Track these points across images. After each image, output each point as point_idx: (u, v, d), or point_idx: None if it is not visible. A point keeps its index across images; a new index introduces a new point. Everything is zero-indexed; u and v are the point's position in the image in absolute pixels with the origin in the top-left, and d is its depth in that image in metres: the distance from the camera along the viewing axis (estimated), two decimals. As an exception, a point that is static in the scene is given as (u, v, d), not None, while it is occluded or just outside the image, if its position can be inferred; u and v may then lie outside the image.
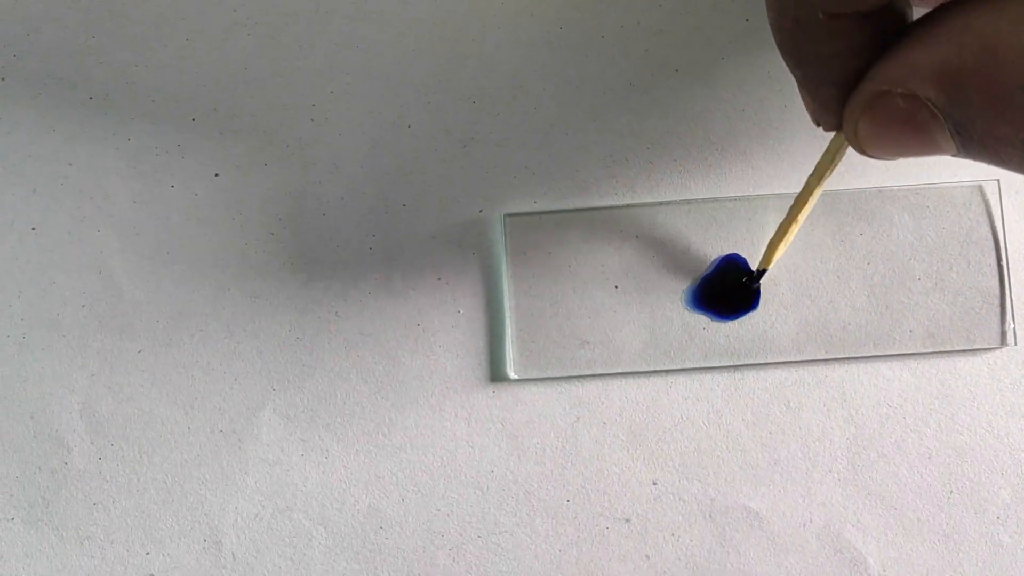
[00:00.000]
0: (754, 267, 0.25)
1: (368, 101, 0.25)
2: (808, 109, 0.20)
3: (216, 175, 0.25)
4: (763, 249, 0.24)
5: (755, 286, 0.25)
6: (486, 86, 0.25)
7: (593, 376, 0.25)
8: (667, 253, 0.25)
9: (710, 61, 0.25)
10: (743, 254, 0.25)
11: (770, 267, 0.24)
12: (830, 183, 0.23)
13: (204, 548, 0.25)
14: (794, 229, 0.23)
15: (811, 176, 0.22)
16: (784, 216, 0.23)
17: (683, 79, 0.25)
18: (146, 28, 0.25)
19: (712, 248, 0.25)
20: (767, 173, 0.25)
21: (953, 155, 0.17)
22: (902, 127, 0.17)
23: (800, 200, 0.23)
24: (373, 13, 0.25)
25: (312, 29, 0.25)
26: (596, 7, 0.25)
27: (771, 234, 0.24)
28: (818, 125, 0.20)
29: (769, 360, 0.25)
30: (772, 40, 0.25)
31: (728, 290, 0.25)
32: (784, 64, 0.19)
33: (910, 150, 0.17)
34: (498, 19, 0.25)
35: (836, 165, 0.21)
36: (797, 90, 0.20)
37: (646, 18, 0.25)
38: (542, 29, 0.25)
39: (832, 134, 0.21)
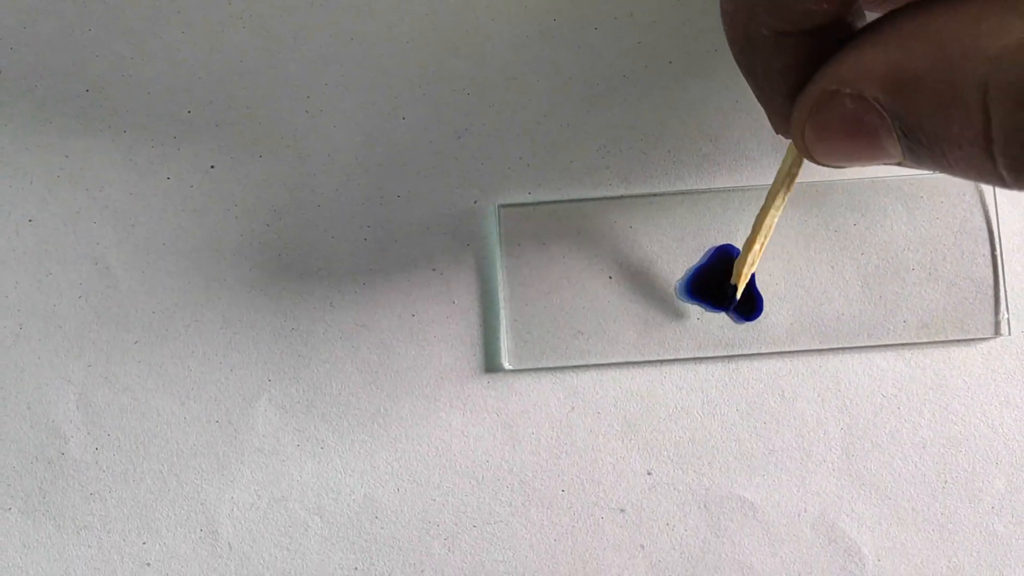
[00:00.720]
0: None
1: (362, 93, 0.25)
2: (768, 118, 0.20)
3: (212, 167, 0.25)
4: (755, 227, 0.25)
5: (733, 304, 0.25)
6: (480, 78, 0.25)
7: (587, 366, 0.25)
8: (661, 244, 0.25)
9: (703, 52, 0.25)
10: (737, 245, 0.25)
11: (741, 284, 0.24)
12: (820, 175, 0.23)
13: (200, 538, 0.25)
14: (761, 248, 0.23)
15: (769, 192, 0.22)
16: (749, 233, 0.23)
17: (676, 70, 0.25)
18: (142, 20, 0.25)
19: (706, 239, 0.25)
20: (760, 164, 0.25)
21: (899, 162, 0.17)
22: (849, 130, 0.17)
23: (762, 215, 0.23)
24: (367, 5, 0.25)
25: (307, 21, 0.25)
26: (590, -1, 0.25)
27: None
28: (778, 133, 0.20)
29: (763, 350, 0.25)
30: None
31: (722, 281, 0.25)
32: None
33: (856, 154, 0.17)
34: (492, 11, 0.25)
35: (794, 178, 0.21)
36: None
37: (639, 10, 0.25)
38: (536, 20, 0.25)
39: (788, 150, 0.21)
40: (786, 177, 0.22)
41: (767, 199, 0.22)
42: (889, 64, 0.15)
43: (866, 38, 0.16)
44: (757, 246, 0.23)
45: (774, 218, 0.23)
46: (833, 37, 0.17)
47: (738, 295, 0.24)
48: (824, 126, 0.17)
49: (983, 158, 0.14)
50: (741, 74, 0.20)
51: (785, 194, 0.22)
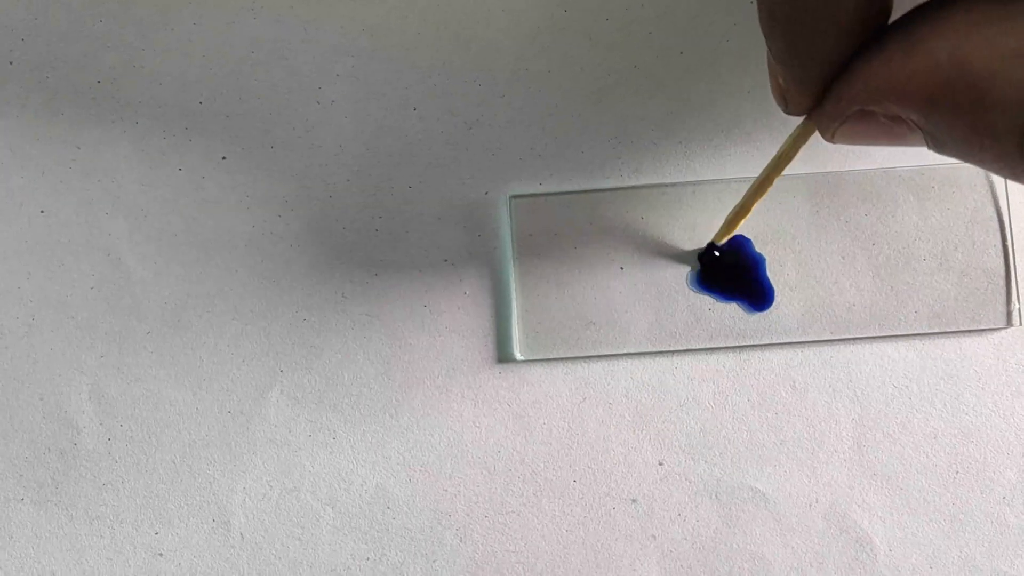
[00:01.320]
0: (757, 250, 0.25)
1: (373, 84, 0.25)
2: (777, 89, 0.19)
3: (223, 158, 0.25)
4: (768, 231, 0.24)
5: (705, 260, 0.25)
6: (491, 68, 0.25)
7: (599, 357, 0.25)
8: (672, 234, 0.25)
9: (714, 43, 0.25)
10: (748, 235, 0.25)
11: (721, 242, 0.24)
12: (831, 165, 0.23)
13: (213, 528, 0.25)
14: (752, 208, 0.23)
15: (774, 159, 0.22)
16: (742, 196, 0.23)
17: (687, 61, 0.25)
18: (153, 12, 0.25)
19: (717, 229, 0.25)
20: (771, 153, 0.25)
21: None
22: (880, 135, 0.17)
23: (764, 180, 0.22)
24: (379, -4, 0.25)
25: (317, 12, 0.25)
26: (601, -10, 0.25)
27: (774, 214, 0.24)
28: (784, 105, 0.19)
29: (775, 341, 0.25)
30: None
31: (734, 271, 0.25)
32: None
33: (881, 146, 0.18)
34: (503, 1, 0.25)
35: (800, 148, 0.21)
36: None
37: (650, 1, 0.25)
38: (547, 11, 0.25)
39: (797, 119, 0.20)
40: (794, 151, 0.21)
41: (769, 169, 0.22)
42: (927, 88, 0.16)
43: (897, 45, 0.16)
44: (750, 210, 0.23)
45: (768, 190, 0.22)
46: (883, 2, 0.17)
47: (715, 252, 0.24)
48: (855, 132, 0.17)
49: (1011, 175, 0.15)
50: (770, 46, 0.18)
51: (782, 169, 0.22)
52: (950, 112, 0.15)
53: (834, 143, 0.19)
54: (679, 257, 0.25)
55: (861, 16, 0.17)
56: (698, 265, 0.25)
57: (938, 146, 0.16)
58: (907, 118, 0.16)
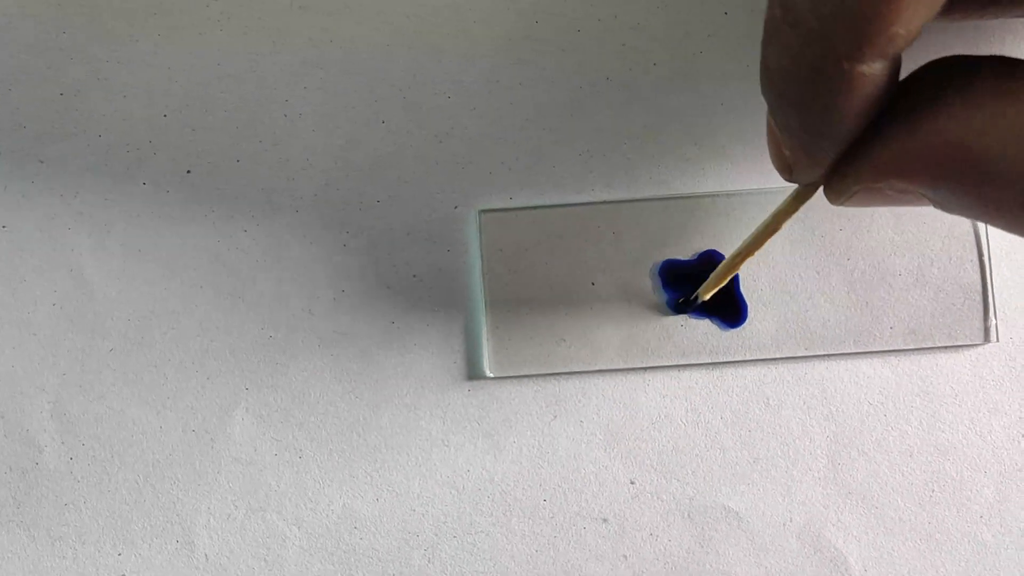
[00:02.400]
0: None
1: (342, 96, 0.25)
2: (780, 159, 0.18)
3: (188, 172, 0.25)
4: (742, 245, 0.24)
5: (688, 311, 0.25)
6: (461, 81, 0.25)
7: (570, 374, 0.25)
8: (644, 249, 0.25)
9: (688, 55, 0.25)
10: (721, 250, 0.25)
11: (707, 297, 0.24)
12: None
13: (176, 548, 0.25)
14: (735, 271, 0.23)
15: (768, 221, 0.21)
16: (735, 253, 0.22)
17: (661, 73, 0.25)
18: (119, 24, 0.25)
19: (690, 244, 0.25)
20: (745, 168, 0.25)
21: None
22: (887, 202, 0.18)
23: (756, 241, 0.21)
24: (347, 8, 0.25)
25: (285, 24, 0.25)
26: (573, 1, 0.25)
27: (748, 231, 0.24)
28: (788, 175, 0.19)
29: (748, 357, 0.25)
30: (750, 33, 0.25)
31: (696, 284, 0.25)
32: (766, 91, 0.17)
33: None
34: (474, 13, 0.25)
35: (798, 209, 0.20)
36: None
37: (623, 12, 0.25)
38: (518, 23, 0.25)
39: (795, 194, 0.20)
40: (789, 215, 0.20)
41: (763, 231, 0.21)
42: (932, 167, 0.16)
43: (898, 126, 0.16)
44: (734, 271, 0.23)
45: (759, 250, 0.22)
46: (896, 72, 0.16)
47: (698, 301, 0.24)
48: (863, 202, 0.18)
49: (1022, 235, 0.16)
50: (777, 119, 0.17)
51: (775, 231, 0.21)
52: (956, 186, 0.16)
53: (838, 205, 0.18)
54: (651, 273, 0.25)
55: (885, 90, 0.16)
56: (667, 263, 0.25)
57: (945, 210, 0.17)
58: (913, 192, 0.17)
